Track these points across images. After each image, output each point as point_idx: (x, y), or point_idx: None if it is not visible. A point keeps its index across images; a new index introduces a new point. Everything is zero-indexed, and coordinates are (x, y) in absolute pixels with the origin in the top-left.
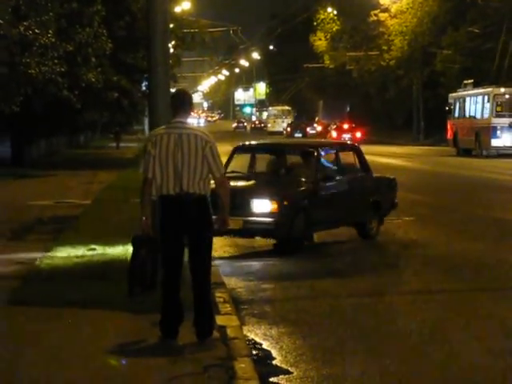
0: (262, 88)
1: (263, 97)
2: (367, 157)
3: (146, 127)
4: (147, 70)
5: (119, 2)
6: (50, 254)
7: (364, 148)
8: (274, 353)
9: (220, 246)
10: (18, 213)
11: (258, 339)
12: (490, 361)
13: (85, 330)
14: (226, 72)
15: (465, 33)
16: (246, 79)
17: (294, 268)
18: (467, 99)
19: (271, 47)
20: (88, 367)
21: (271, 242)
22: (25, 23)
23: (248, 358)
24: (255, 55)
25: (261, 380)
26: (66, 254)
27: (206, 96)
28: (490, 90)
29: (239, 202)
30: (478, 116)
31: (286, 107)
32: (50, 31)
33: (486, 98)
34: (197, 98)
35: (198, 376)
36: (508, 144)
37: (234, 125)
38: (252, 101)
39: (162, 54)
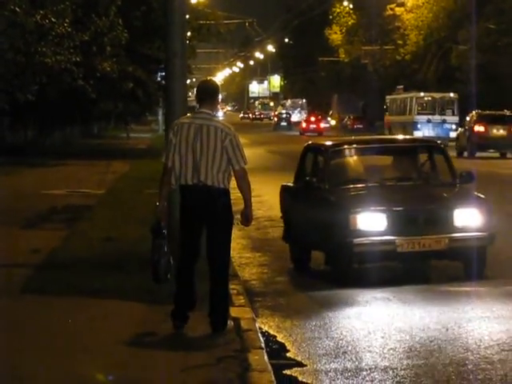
0: (276, 81)
1: (277, 89)
2: None
3: (160, 118)
4: (164, 60)
5: None
6: (64, 243)
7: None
8: (288, 345)
9: (233, 237)
10: (32, 201)
11: (271, 331)
12: None
13: (98, 320)
14: (240, 64)
15: (481, 28)
16: (261, 72)
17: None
18: (398, 100)
19: (286, 40)
20: (100, 357)
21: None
22: (41, 12)
23: (262, 350)
24: (270, 48)
25: (274, 372)
26: (80, 243)
27: (220, 88)
28: (413, 94)
29: (437, 217)
30: (406, 113)
31: (302, 100)
32: (67, 20)
33: (411, 100)
34: None
35: (211, 367)
36: (426, 134)
37: (241, 115)
38: (266, 93)
39: (179, 44)
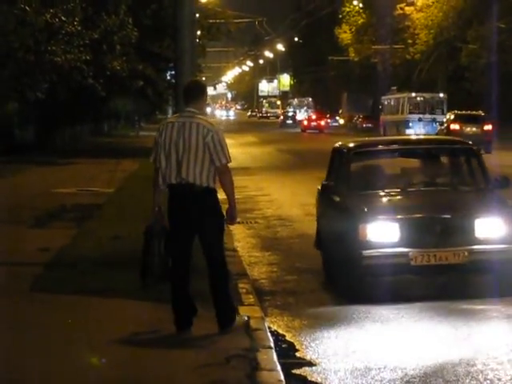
0: (286, 80)
1: (287, 88)
2: None
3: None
4: (174, 59)
5: None
6: (73, 241)
7: None
8: (297, 345)
9: (243, 236)
10: (42, 200)
11: (280, 331)
12: None
13: (106, 319)
14: (250, 63)
15: (490, 27)
16: (270, 71)
17: (317, 260)
18: (392, 100)
19: (296, 39)
20: (108, 356)
21: (296, 233)
22: (51, 10)
23: (271, 349)
24: (280, 47)
25: (283, 371)
26: (89, 242)
27: (229, 87)
28: (405, 94)
29: (455, 227)
30: (398, 113)
31: (308, 99)
32: (76, 19)
33: (403, 100)
34: (221, 88)
35: (220, 366)
36: (418, 132)
37: (248, 114)
38: (276, 92)
39: (189, 44)
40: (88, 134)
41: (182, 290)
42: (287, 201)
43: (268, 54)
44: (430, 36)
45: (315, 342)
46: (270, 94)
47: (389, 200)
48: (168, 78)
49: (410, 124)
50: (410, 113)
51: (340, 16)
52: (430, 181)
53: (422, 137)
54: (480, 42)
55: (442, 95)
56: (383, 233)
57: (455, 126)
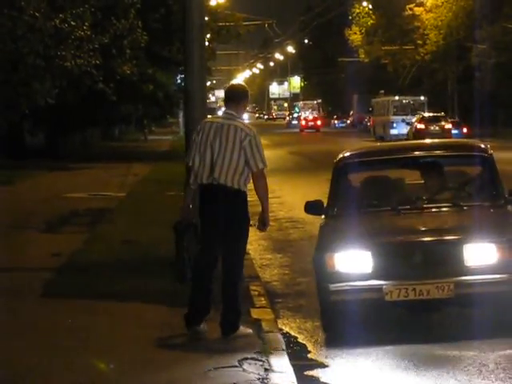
0: (296, 82)
1: (297, 90)
2: None
3: (181, 120)
4: (183, 63)
5: None
6: (85, 246)
7: None
8: (309, 346)
9: (255, 239)
10: (53, 205)
11: (292, 332)
12: None
13: (118, 323)
14: (260, 65)
15: (500, 27)
16: (281, 73)
17: None
18: (380, 103)
19: (306, 41)
20: (120, 359)
21: (307, 235)
22: (60, 15)
23: (283, 351)
24: (290, 49)
25: (296, 373)
26: (101, 246)
27: (247, 92)
28: (390, 98)
29: (439, 254)
30: (385, 114)
31: (315, 101)
32: (86, 24)
33: (388, 103)
34: None
35: (232, 369)
36: (401, 132)
37: (256, 115)
38: (286, 94)
39: (198, 47)
40: (99, 139)
41: (203, 288)
42: (298, 203)
43: (278, 56)
44: (439, 36)
45: (327, 344)
46: (280, 96)
47: (366, 223)
48: (178, 81)
49: (395, 125)
50: (395, 114)
51: (350, 17)
52: (430, 197)
53: (426, 141)
54: (489, 42)
55: (422, 98)
56: (353, 263)
57: (421, 126)
